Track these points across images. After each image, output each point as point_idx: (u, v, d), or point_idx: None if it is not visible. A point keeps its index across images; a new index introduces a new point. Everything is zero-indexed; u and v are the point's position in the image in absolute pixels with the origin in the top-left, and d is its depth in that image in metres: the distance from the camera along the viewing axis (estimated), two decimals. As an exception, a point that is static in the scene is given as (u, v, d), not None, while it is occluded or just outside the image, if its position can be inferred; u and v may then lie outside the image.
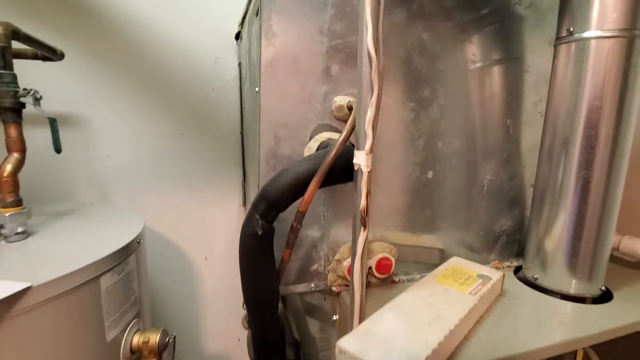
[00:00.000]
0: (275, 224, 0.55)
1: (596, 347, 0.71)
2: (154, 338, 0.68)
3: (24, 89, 0.64)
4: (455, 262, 0.64)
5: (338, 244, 0.63)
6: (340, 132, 0.55)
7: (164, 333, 0.69)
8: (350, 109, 0.55)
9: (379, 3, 0.40)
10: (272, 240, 0.51)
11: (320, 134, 0.56)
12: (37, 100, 0.66)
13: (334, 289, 0.62)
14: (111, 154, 1.03)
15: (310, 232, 0.61)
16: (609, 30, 0.54)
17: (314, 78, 0.56)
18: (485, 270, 0.61)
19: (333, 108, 0.57)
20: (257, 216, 0.48)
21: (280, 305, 1.09)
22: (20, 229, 0.65)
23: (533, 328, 0.53)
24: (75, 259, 0.56)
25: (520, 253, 0.75)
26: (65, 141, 0.82)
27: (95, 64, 0.97)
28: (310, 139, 0.57)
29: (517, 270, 0.72)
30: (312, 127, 0.57)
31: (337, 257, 0.62)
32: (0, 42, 0.62)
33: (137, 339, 0.67)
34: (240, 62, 1.05)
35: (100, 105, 0.99)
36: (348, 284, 0.59)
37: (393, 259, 0.62)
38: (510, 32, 0.68)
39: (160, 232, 1.12)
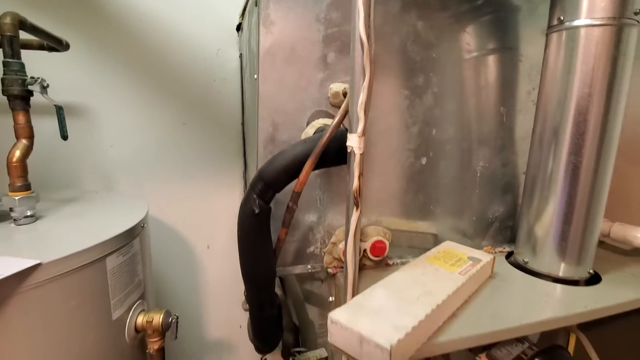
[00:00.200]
0: (273, 207, 0.57)
1: (589, 334, 0.74)
2: (158, 318, 0.70)
3: (32, 77, 0.67)
4: (448, 246, 0.66)
5: (334, 227, 0.65)
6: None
7: (167, 313, 0.72)
8: (345, 95, 0.57)
9: (371, -9, 0.42)
10: (269, 219, 0.54)
11: (316, 120, 0.58)
12: (44, 89, 0.68)
13: (329, 270, 0.65)
14: (115, 143, 1.05)
15: (307, 216, 0.63)
16: (598, 18, 0.55)
17: (311, 65, 0.58)
18: (476, 253, 0.63)
19: (329, 95, 0.59)
20: (255, 196, 0.50)
21: (280, 292, 1.13)
22: (29, 213, 0.68)
23: (520, 307, 0.55)
24: (82, 240, 0.58)
25: (512, 239, 0.77)
26: (71, 131, 0.84)
27: (99, 55, 0.99)
28: (307, 125, 0.59)
29: (509, 255, 0.74)
30: (308, 114, 0.59)
31: (332, 239, 0.64)
32: (8, 31, 0.64)
33: (141, 319, 0.70)
34: (241, 54, 1.06)
35: (104, 95, 1.01)
36: (343, 266, 0.61)
37: (387, 242, 0.64)
38: (504, 22, 0.69)
39: (163, 220, 1.15)
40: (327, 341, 0.91)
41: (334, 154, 0.51)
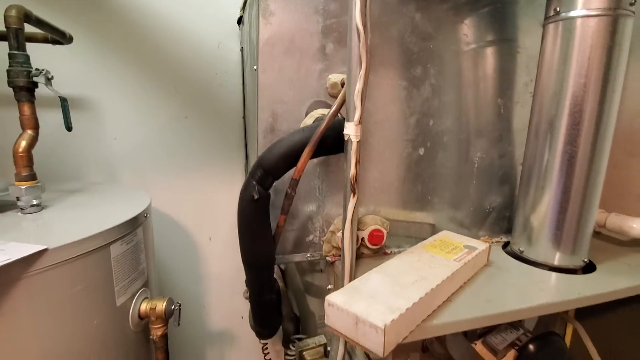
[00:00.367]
0: (272, 195, 0.58)
1: (585, 324, 0.75)
2: (161, 305, 0.72)
3: (36, 69, 0.68)
4: (445, 235, 0.67)
5: (332, 217, 0.66)
6: (334, 108, 0.57)
7: (170, 301, 0.74)
8: (343, 85, 0.58)
9: (367, -19, 0.43)
10: (268, 205, 0.55)
11: (315, 110, 0.59)
12: (48, 80, 0.70)
13: (328, 258, 0.66)
14: (119, 136, 1.07)
15: (306, 205, 0.64)
16: (594, 9, 0.55)
17: (310, 56, 0.59)
18: (473, 242, 0.64)
19: (327, 85, 0.60)
20: (254, 182, 0.51)
21: (281, 284, 1.14)
22: (35, 202, 0.69)
23: (515, 293, 0.56)
24: (87, 228, 0.60)
25: (509, 230, 0.78)
26: (75, 124, 0.86)
27: (102, 48, 1.00)
28: (306, 115, 0.60)
29: (506, 245, 0.75)
30: (307, 104, 0.60)
31: (331, 228, 0.65)
32: (14, 24, 0.66)
33: (144, 306, 0.72)
34: (242, 47, 1.07)
35: (106, 88, 1.03)
36: (341, 255, 0.62)
37: (385, 231, 0.65)
38: (503, 14, 0.70)
39: (166, 212, 1.17)
40: (327, 332, 0.93)
41: (331, 142, 0.52)
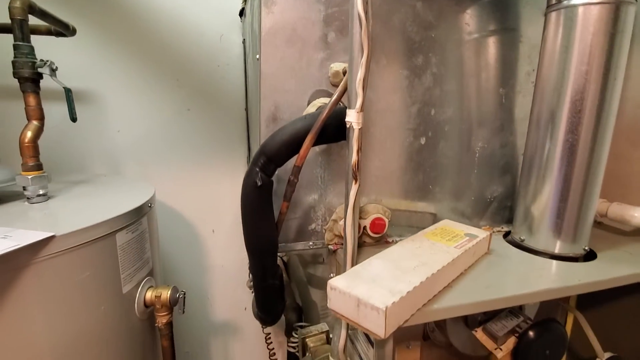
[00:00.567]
0: (275, 184, 0.59)
1: (586, 314, 0.75)
2: (166, 293, 0.73)
3: (41, 60, 0.69)
4: (446, 223, 0.68)
5: (334, 205, 0.67)
6: (336, 97, 0.58)
7: (175, 289, 0.75)
8: (345, 74, 0.58)
9: (369, -33, 0.43)
10: (271, 192, 0.56)
11: (317, 100, 0.60)
12: (53, 71, 0.70)
13: (330, 247, 0.67)
14: (122, 128, 1.08)
15: (308, 193, 0.65)
16: (596, -4, 0.55)
17: (312, 45, 0.59)
18: (474, 230, 0.65)
19: (329, 74, 0.61)
20: (257, 169, 0.52)
21: (285, 276, 1.15)
22: (41, 191, 0.70)
23: (515, 279, 0.57)
24: (93, 216, 0.61)
25: (510, 219, 0.78)
26: (78, 116, 0.87)
27: (105, 41, 1.01)
28: (308, 104, 0.61)
29: (507, 235, 0.76)
30: (309, 93, 0.61)
31: (333, 217, 0.66)
32: (18, 15, 0.66)
33: (150, 294, 0.73)
34: (244, 39, 1.07)
35: (109, 80, 1.04)
36: (343, 243, 0.63)
37: (387, 220, 0.66)
38: (505, 3, 0.70)
39: (169, 204, 1.18)
40: (330, 322, 0.94)
41: (333, 130, 0.53)
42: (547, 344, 0.61)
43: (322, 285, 1.06)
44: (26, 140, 0.69)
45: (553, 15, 0.61)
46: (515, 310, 0.67)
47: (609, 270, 0.61)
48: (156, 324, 0.75)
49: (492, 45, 0.70)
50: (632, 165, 0.80)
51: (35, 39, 0.71)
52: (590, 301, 0.77)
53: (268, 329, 1.18)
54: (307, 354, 0.71)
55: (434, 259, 0.52)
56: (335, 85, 0.61)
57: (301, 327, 0.78)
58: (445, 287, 0.53)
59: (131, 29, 1.02)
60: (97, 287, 0.61)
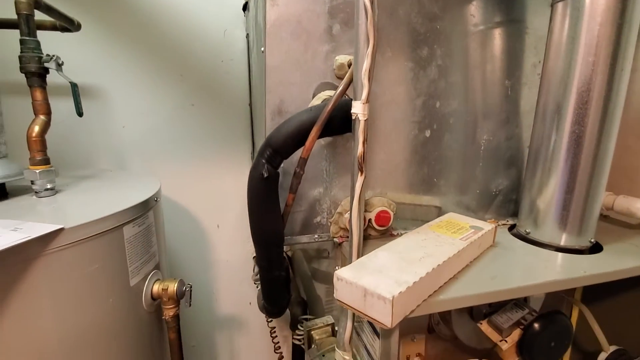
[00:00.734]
0: (281, 176, 0.59)
1: (591, 308, 0.75)
2: (172, 286, 0.74)
3: (47, 55, 0.69)
4: (451, 216, 0.68)
5: (340, 198, 0.67)
6: (341, 90, 0.58)
7: (181, 282, 0.76)
8: (350, 66, 0.58)
9: (374, -43, 0.43)
10: (277, 184, 0.56)
11: (322, 92, 0.60)
12: (59, 66, 0.71)
13: (335, 240, 0.67)
14: (127, 124, 1.08)
15: (314, 187, 0.65)
16: (603, -15, 0.55)
17: (317, 37, 0.59)
18: (479, 222, 0.65)
19: (334, 67, 0.61)
20: (263, 161, 0.52)
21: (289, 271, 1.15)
22: (49, 185, 0.71)
23: (520, 271, 0.57)
24: (100, 210, 0.62)
25: (516, 213, 0.78)
26: (84, 112, 0.87)
27: (110, 36, 1.01)
28: (313, 97, 0.61)
29: (512, 228, 0.76)
30: (314, 86, 0.61)
31: (339, 209, 0.66)
32: (24, 10, 0.67)
33: (157, 287, 0.74)
34: (248, 34, 1.07)
35: (114, 76, 1.04)
36: (349, 235, 0.63)
37: (392, 213, 0.66)
38: (511, -6, 0.69)
39: (174, 199, 1.19)
40: (335, 316, 0.95)
41: (338, 122, 0.53)
42: (552, 335, 0.61)
43: (326, 279, 1.06)
44: (34, 134, 0.70)
45: (560, 5, 0.60)
46: (521, 303, 0.67)
47: (615, 262, 0.61)
48: (163, 317, 0.75)
49: (497, 36, 0.70)
50: (639, 158, 0.79)
51: (40, 35, 0.72)
52: (596, 294, 0.77)
53: (273, 323, 1.18)
54: (312, 346, 0.72)
55: (439, 250, 0.52)
56: (341, 78, 0.61)
57: (306, 320, 0.79)
58: (450, 278, 0.53)
59: (135, 25, 1.02)
60: (106, 279, 0.62)
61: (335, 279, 0.46)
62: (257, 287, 1.17)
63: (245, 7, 1.04)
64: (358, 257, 0.52)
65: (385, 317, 0.41)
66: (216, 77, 1.12)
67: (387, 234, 0.70)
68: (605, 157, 0.62)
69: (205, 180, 1.20)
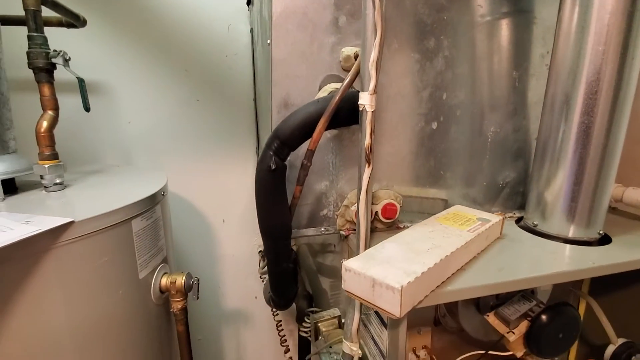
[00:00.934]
0: (287, 170, 0.59)
1: (598, 300, 0.75)
2: (180, 279, 0.75)
3: (54, 50, 0.70)
4: (457, 209, 0.67)
5: (346, 191, 0.67)
6: (347, 82, 0.57)
7: (189, 275, 0.77)
8: (357, 58, 0.58)
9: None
10: (284, 176, 0.56)
11: (328, 85, 0.60)
12: (66, 61, 0.71)
13: (342, 232, 0.67)
14: (133, 120, 1.09)
15: (320, 180, 0.65)
16: (614, -27, 0.54)
17: (323, 29, 0.59)
18: (486, 214, 0.65)
19: (341, 59, 0.60)
20: (271, 153, 0.53)
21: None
22: (58, 180, 0.72)
23: (528, 262, 0.56)
24: (109, 204, 0.62)
25: (523, 205, 0.78)
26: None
27: (114, 32, 1.01)
28: (320, 89, 0.61)
29: (519, 220, 0.75)
30: (320, 78, 0.61)
31: (345, 202, 0.66)
32: (32, 5, 0.67)
33: (165, 280, 0.75)
34: (252, 28, 1.07)
35: (119, 72, 1.04)
36: (355, 228, 0.64)
37: (398, 205, 0.66)
38: (518, -16, 0.68)
39: (180, 195, 1.19)
40: (341, 309, 0.95)
41: (345, 114, 0.53)
42: (560, 327, 0.61)
43: (331, 273, 1.07)
44: (42, 129, 0.70)
45: (569, -6, 0.59)
46: (528, 295, 0.67)
47: (624, 254, 0.60)
48: (171, 309, 0.76)
49: (505, 27, 0.69)
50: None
51: (46, 32, 0.72)
52: (603, 287, 0.76)
53: (279, 317, 1.19)
54: (319, 338, 0.73)
55: (447, 242, 0.52)
56: (347, 70, 0.61)
57: (313, 312, 0.79)
58: (458, 269, 0.53)
59: (140, 20, 1.03)
60: (115, 272, 0.63)
61: (343, 270, 0.46)
62: (262, 281, 1.18)
63: (249, 2, 1.03)
64: (365, 248, 0.52)
65: (394, 307, 0.41)
66: (221, 72, 1.12)
67: (393, 227, 0.70)
68: (615, 148, 0.61)
69: (211, 176, 1.20)
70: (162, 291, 0.75)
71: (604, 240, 0.66)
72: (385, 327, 0.53)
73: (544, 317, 0.61)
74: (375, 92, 0.47)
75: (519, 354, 0.62)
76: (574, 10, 0.59)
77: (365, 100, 0.47)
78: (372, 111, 0.47)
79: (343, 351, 0.58)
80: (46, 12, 0.73)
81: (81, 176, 0.86)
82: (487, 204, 0.77)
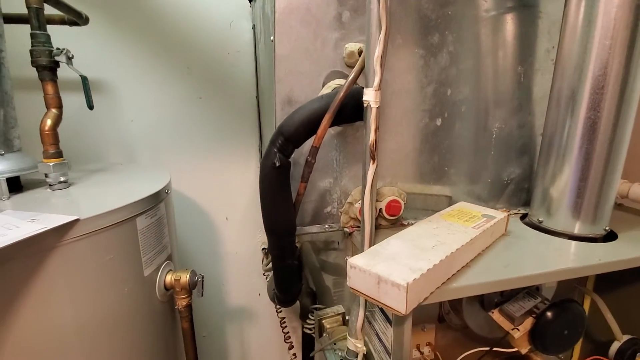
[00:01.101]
0: (292, 167, 0.59)
1: (603, 296, 0.74)
2: (185, 277, 0.75)
3: (57, 48, 0.70)
4: (462, 205, 0.67)
5: (350, 188, 0.67)
6: (351, 78, 0.57)
7: (193, 273, 0.77)
8: (361, 54, 0.57)
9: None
10: (289, 172, 0.56)
11: (332, 81, 0.59)
12: (69, 59, 0.71)
13: (346, 229, 0.67)
14: (135, 118, 1.09)
15: (324, 177, 0.65)
16: (622, -35, 0.53)
17: (326, 25, 0.59)
18: (491, 211, 0.64)
19: (344, 55, 0.60)
20: (275, 150, 0.52)
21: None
22: (63, 178, 0.72)
23: (533, 259, 0.56)
24: (114, 202, 0.62)
25: (528, 202, 0.77)
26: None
27: (116, 30, 1.01)
28: (323, 86, 0.60)
29: (524, 217, 0.75)
30: (324, 74, 0.60)
31: (349, 199, 0.66)
32: (35, 3, 0.67)
33: (169, 277, 0.75)
34: (254, 25, 1.07)
35: (122, 70, 1.04)
36: (359, 225, 0.63)
37: (402, 202, 0.66)
38: (524, -22, 0.68)
39: (183, 193, 1.19)
40: (344, 304, 0.95)
41: (350, 110, 0.53)
42: (565, 323, 0.61)
43: (334, 271, 1.07)
44: (46, 128, 0.70)
45: (575, -12, 0.58)
46: (533, 292, 0.67)
47: (630, 250, 0.60)
48: (176, 307, 0.77)
49: (510, 22, 0.68)
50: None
51: (49, 30, 0.72)
52: (608, 283, 0.76)
53: (282, 314, 1.20)
54: (324, 335, 0.73)
55: (452, 238, 0.52)
56: (350, 66, 0.61)
57: (317, 309, 0.80)
58: (463, 266, 0.53)
59: (142, 17, 1.02)
60: (120, 269, 0.63)
61: (348, 267, 0.46)
62: (266, 278, 1.18)
63: (251, -1, 1.03)
64: (370, 245, 0.52)
65: (400, 304, 0.41)
66: (223, 70, 1.12)
67: (397, 224, 0.70)
68: (622, 144, 0.60)
69: (213, 173, 1.20)
70: (166, 288, 0.75)
71: (610, 236, 0.66)
72: (390, 324, 0.53)
73: (549, 313, 0.61)
74: (380, 88, 0.47)
75: (524, 351, 0.62)
76: (581, 4, 0.58)
77: (369, 96, 0.47)
78: (377, 107, 0.47)
79: (348, 348, 0.58)
80: (49, 10, 0.73)
81: (85, 174, 0.86)
82: (491, 201, 0.77)
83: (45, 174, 0.71)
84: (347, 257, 0.71)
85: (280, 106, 0.61)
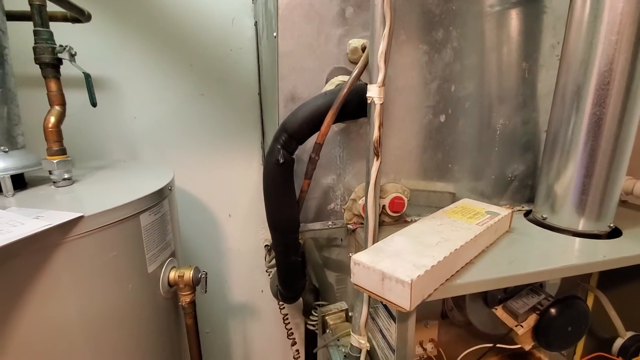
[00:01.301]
0: (295, 164, 0.59)
1: (607, 293, 0.74)
2: (188, 273, 0.75)
3: (60, 45, 0.70)
4: (466, 202, 0.67)
5: (353, 185, 0.67)
6: (354, 75, 0.57)
7: (197, 269, 0.77)
8: (364, 50, 0.57)
9: None
10: (292, 169, 0.56)
11: (335, 77, 0.59)
12: (72, 56, 0.71)
13: (349, 226, 0.67)
14: (138, 115, 1.09)
15: (327, 173, 0.65)
16: (629, -41, 0.52)
17: (329, 21, 0.58)
18: (494, 208, 0.64)
19: (348, 51, 0.60)
20: (279, 146, 0.52)
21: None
22: (66, 175, 0.72)
23: (537, 255, 0.56)
24: (118, 199, 0.63)
25: (532, 199, 0.77)
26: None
27: (118, 27, 1.01)
28: (327, 82, 0.60)
29: (528, 214, 0.75)
30: (327, 71, 0.60)
31: (352, 196, 0.66)
32: (38, 1, 0.67)
33: (173, 274, 0.75)
34: (256, 21, 1.06)
35: (124, 67, 1.04)
36: (362, 222, 0.63)
37: (406, 199, 0.65)
38: (529, -28, 0.67)
39: (186, 189, 1.20)
40: (346, 301, 0.96)
41: (354, 107, 0.52)
42: (569, 320, 0.61)
43: (337, 267, 1.07)
44: (50, 125, 0.70)
45: (581, -18, 0.58)
46: (536, 288, 0.67)
47: (635, 247, 0.60)
48: (180, 303, 0.77)
49: (514, 17, 0.67)
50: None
51: (51, 27, 0.72)
52: (612, 280, 0.76)
53: (285, 310, 1.20)
54: (327, 331, 0.73)
55: (456, 235, 0.52)
56: (354, 62, 0.60)
57: (320, 306, 0.80)
58: (467, 263, 0.53)
59: (144, 14, 1.02)
60: (125, 266, 0.63)
61: (352, 264, 0.46)
62: (269, 275, 1.19)
63: (253, -5, 1.02)
64: (374, 242, 0.52)
65: (404, 301, 0.41)
66: (225, 67, 1.12)
67: (400, 221, 0.69)
68: (627, 140, 0.60)
69: (216, 170, 1.20)
70: (170, 285, 0.75)
71: (614, 233, 0.65)
72: (394, 320, 0.53)
73: (553, 310, 0.61)
74: (383, 84, 0.46)
75: (527, 347, 0.62)
76: (587, -1, 0.57)
77: (373, 92, 0.47)
78: (381, 104, 0.47)
79: (351, 344, 0.59)
80: (51, 7, 0.73)
81: (89, 171, 0.86)
82: (495, 197, 0.76)
83: (50, 171, 0.71)
84: (351, 254, 0.71)
85: (284, 103, 0.60)
